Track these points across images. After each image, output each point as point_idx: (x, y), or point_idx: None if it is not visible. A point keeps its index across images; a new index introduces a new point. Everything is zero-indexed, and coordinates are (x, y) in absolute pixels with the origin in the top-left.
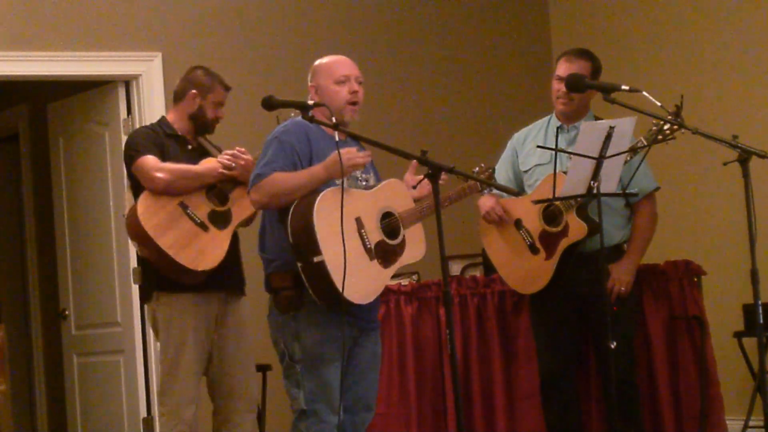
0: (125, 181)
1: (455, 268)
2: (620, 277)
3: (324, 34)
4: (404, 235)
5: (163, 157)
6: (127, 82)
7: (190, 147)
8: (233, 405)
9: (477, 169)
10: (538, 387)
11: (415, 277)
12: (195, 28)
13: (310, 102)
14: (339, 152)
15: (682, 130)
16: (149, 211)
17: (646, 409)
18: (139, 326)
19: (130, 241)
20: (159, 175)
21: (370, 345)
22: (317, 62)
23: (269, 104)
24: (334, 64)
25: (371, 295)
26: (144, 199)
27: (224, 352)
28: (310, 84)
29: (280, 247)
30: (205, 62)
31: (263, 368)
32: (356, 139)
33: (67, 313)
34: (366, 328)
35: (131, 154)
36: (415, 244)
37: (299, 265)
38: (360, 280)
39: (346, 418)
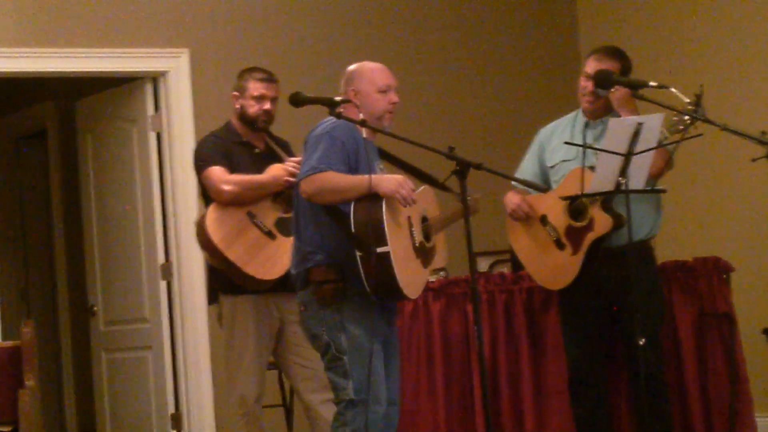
0: (195, 188)
1: (483, 265)
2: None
3: (352, 30)
4: (434, 241)
5: (231, 165)
6: (155, 78)
7: (256, 150)
8: (314, 396)
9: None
10: (566, 383)
11: (443, 273)
12: (222, 24)
13: (338, 98)
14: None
15: (697, 124)
16: (217, 223)
17: (675, 405)
18: (167, 322)
19: (199, 247)
20: (226, 188)
21: (394, 340)
22: (357, 66)
23: (297, 100)
24: (378, 72)
25: (419, 290)
26: (212, 210)
27: (299, 346)
28: (349, 87)
29: (322, 240)
30: (232, 58)
31: None
32: (383, 132)
33: (95, 309)
34: (392, 322)
35: (199, 164)
36: (441, 251)
37: (359, 254)
38: (413, 276)
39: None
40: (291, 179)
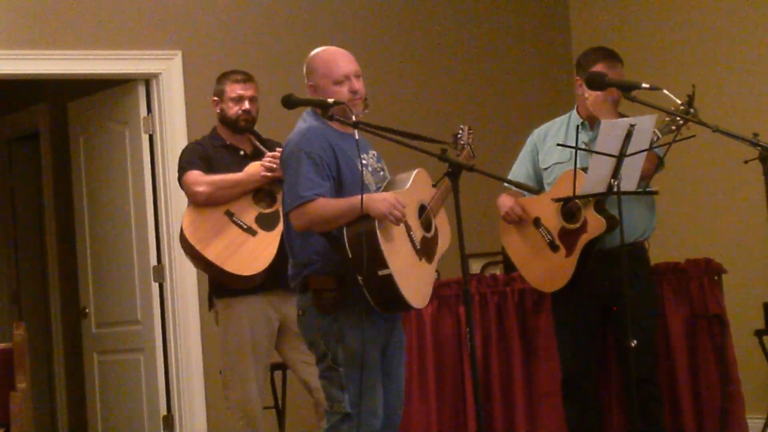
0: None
1: (475, 267)
2: None
3: (343, 32)
4: (435, 225)
5: (210, 169)
6: (148, 80)
7: (242, 153)
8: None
9: (459, 132)
10: (558, 385)
11: (435, 275)
12: (215, 27)
13: (330, 101)
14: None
15: (689, 125)
16: (194, 225)
17: (667, 407)
18: (159, 324)
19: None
20: (198, 189)
21: (399, 342)
22: (312, 58)
23: (289, 102)
24: (331, 62)
25: (428, 296)
26: (188, 213)
27: (302, 344)
28: (308, 82)
29: (317, 250)
30: (225, 60)
31: (282, 366)
32: (376, 134)
33: (87, 311)
34: (394, 325)
35: (179, 172)
36: (443, 232)
37: (360, 278)
38: (419, 285)
39: (385, 416)
40: (268, 174)
